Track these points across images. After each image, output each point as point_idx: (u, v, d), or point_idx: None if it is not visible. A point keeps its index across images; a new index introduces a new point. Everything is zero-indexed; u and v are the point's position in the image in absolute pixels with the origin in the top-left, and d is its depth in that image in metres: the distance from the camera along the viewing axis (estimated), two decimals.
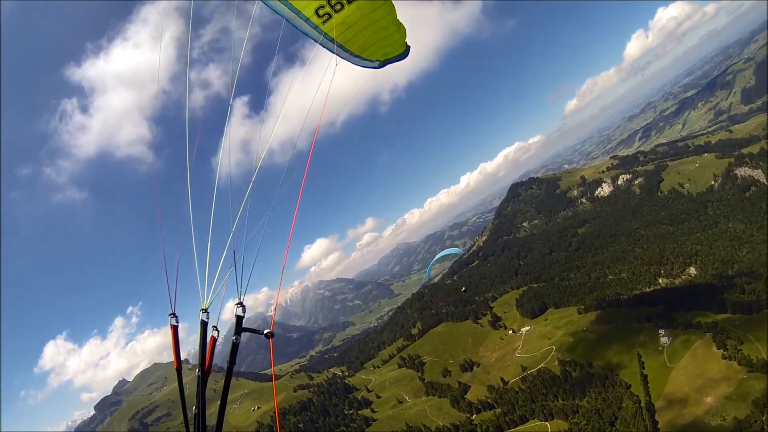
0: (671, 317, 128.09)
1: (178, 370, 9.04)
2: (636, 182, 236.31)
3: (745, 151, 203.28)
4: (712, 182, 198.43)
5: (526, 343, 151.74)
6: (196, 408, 8.22)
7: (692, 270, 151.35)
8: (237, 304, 8.82)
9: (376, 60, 16.20)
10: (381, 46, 15.80)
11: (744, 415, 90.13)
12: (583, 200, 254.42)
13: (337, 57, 14.83)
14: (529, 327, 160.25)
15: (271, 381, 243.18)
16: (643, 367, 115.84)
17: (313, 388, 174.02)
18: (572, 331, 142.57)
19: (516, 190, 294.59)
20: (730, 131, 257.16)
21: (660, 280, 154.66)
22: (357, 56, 15.77)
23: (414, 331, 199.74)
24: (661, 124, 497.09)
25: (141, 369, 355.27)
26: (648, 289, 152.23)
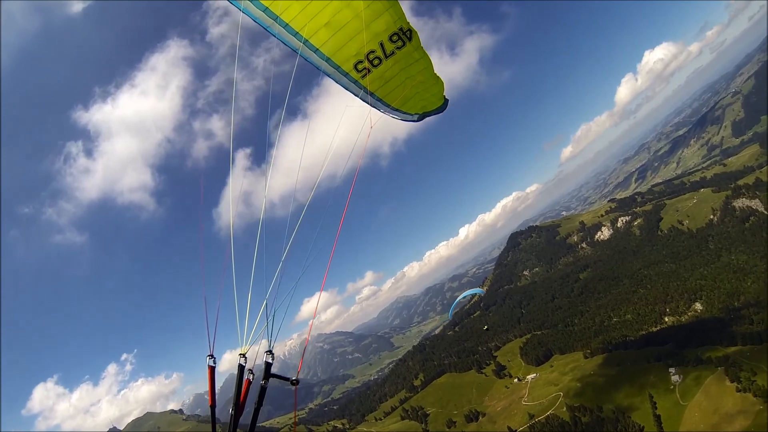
0: (681, 355, 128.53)
1: (212, 407, 10.51)
2: (635, 223, 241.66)
3: (741, 182, 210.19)
4: (711, 216, 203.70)
5: (532, 390, 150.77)
6: None
7: (698, 306, 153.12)
8: (267, 351, 10.07)
9: (415, 113, 17.06)
10: (420, 99, 16.66)
11: None
12: (584, 245, 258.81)
13: (376, 111, 16.21)
14: (534, 374, 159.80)
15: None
16: (656, 408, 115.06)
17: None
18: (579, 376, 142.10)
19: (515, 239, 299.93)
20: (725, 165, 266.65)
21: (666, 319, 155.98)
22: (396, 110, 16.69)
23: (416, 382, 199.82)
24: (656, 164, 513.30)
25: (133, 417, 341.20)
26: (654, 329, 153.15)
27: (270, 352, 10.10)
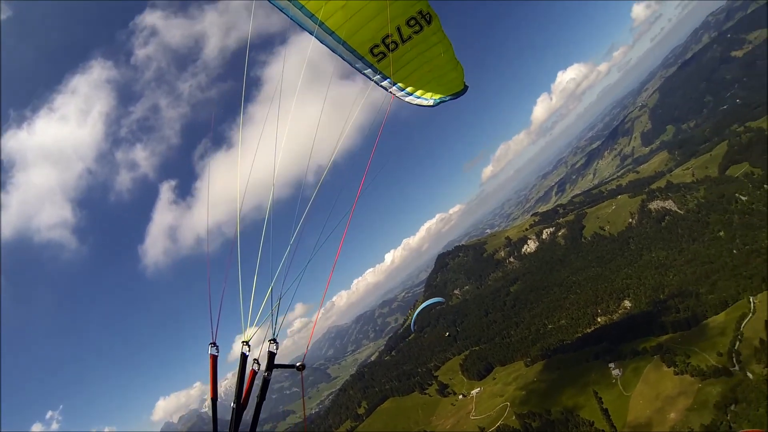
0: (617, 350, 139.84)
1: (213, 400, 10.20)
2: (559, 233, 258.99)
3: (654, 186, 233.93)
4: (630, 220, 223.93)
5: (478, 404, 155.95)
6: None
7: (627, 303, 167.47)
8: (270, 340, 9.89)
9: (431, 98, 17.29)
10: (437, 84, 16.98)
11: (709, 421, 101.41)
12: (511, 259, 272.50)
13: (392, 95, 16.81)
14: (478, 389, 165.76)
15: None
16: (602, 402, 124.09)
17: None
18: (523, 384, 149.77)
19: (443, 260, 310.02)
20: (637, 172, 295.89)
21: (599, 319, 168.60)
22: (412, 95, 17.09)
23: (360, 411, 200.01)
24: (574, 177, 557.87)
25: None
26: (589, 330, 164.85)
27: (274, 340, 10.00)
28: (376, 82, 16.45)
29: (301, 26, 14.73)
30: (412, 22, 15.02)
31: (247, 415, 9.78)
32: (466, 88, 17.35)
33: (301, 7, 14.18)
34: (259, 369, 9.65)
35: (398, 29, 15.08)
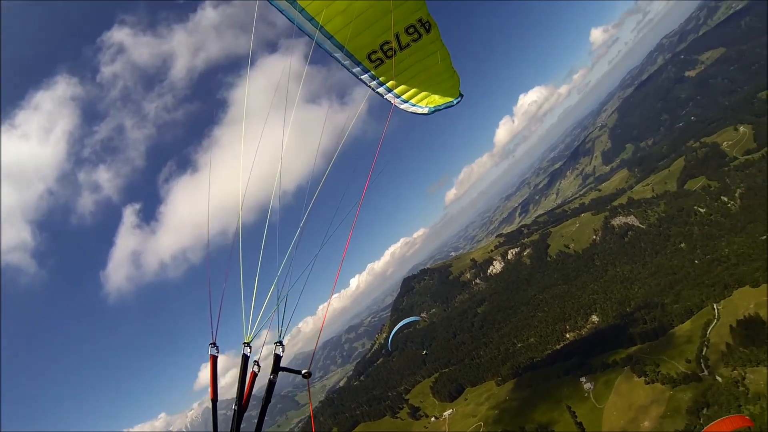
0: (588, 364, 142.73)
1: (214, 401, 10.24)
2: (525, 253, 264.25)
3: (615, 203, 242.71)
4: (594, 237, 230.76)
5: (451, 425, 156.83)
6: None
7: (594, 318, 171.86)
8: (276, 343, 9.89)
9: (426, 107, 17.66)
10: (433, 92, 17.40)
11: (683, 426, 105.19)
12: (477, 281, 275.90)
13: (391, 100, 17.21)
14: (451, 410, 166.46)
15: None
16: (576, 416, 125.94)
17: None
18: (495, 404, 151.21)
19: (409, 283, 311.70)
20: (599, 190, 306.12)
21: (567, 335, 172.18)
22: (407, 102, 17.51)
23: None
24: (537, 197, 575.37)
25: None
26: (558, 346, 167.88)
27: (280, 343, 9.99)
28: (372, 88, 16.83)
29: (300, 29, 14.95)
30: (411, 30, 15.33)
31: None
32: (461, 96, 17.68)
33: (302, 10, 14.43)
34: (259, 371, 9.77)
35: (397, 36, 15.37)
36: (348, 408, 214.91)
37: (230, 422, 9.51)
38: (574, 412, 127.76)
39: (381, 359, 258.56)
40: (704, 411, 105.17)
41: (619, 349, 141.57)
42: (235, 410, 9.33)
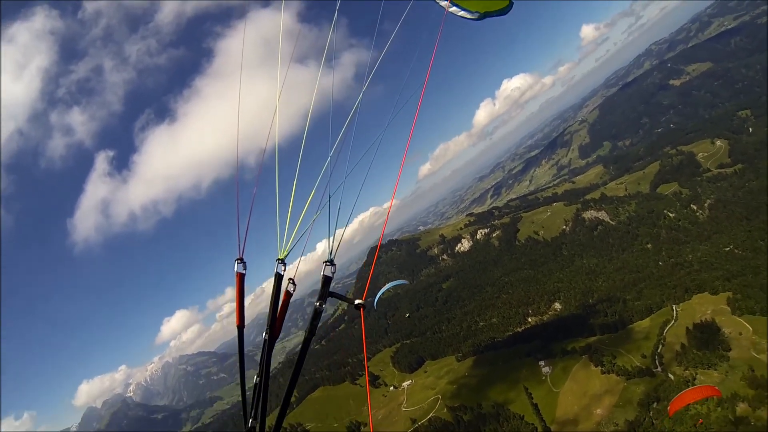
0: (548, 349, 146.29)
1: (240, 328, 8.83)
2: (494, 235, 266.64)
3: (588, 197, 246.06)
4: (564, 227, 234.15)
5: (410, 396, 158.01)
6: (258, 376, 8.12)
7: (557, 305, 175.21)
8: (326, 262, 8.02)
9: (476, 11, 16.62)
10: None
11: (633, 417, 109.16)
12: (445, 257, 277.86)
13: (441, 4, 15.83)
14: (410, 381, 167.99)
15: None
16: (532, 398, 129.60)
17: None
18: (454, 379, 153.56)
19: (375, 252, 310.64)
20: (573, 182, 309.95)
21: (530, 319, 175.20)
22: (456, 5, 16.36)
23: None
24: (511, 182, 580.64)
25: None
26: (520, 329, 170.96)
27: (330, 262, 8.12)
28: None
29: None
30: None
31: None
32: (511, 5, 16.76)
33: None
34: (294, 291, 8.41)
35: None
36: (308, 371, 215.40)
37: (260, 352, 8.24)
38: (530, 394, 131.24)
39: (343, 325, 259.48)
40: (654, 405, 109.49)
41: (579, 338, 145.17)
42: (265, 339, 8.12)
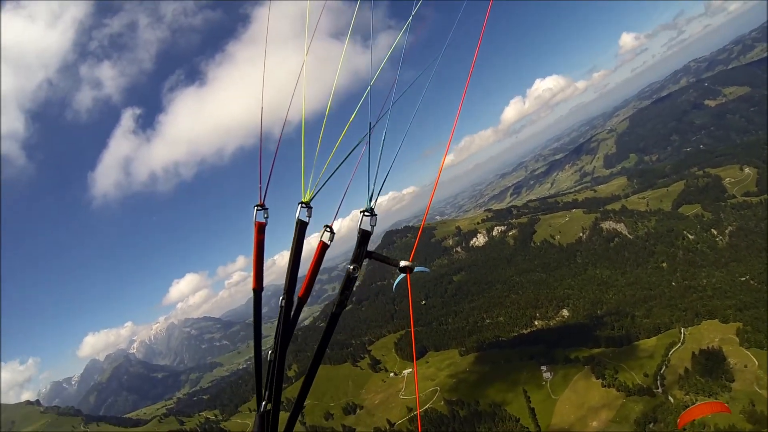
0: (551, 354, 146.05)
1: (257, 291, 6.61)
2: (510, 233, 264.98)
3: (608, 207, 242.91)
4: (581, 234, 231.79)
5: (409, 384, 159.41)
6: (272, 351, 6.22)
7: (565, 312, 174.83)
8: (364, 211, 5.66)
9: None
10: None
11: None
12: (458, 249, 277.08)
13: None
14: (410, 369, 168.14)
15: (137, 427, 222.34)
16: (530, 401, 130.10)
17: None
18: (454, 372, 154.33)
19: (390, 237, 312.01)
20: (595, 191, 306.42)
21: (536, 323, 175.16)
22: None
23: (290, 373, 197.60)
24: (532, 182, 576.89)
25: None
26: (525, 331, 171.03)
27: (370, 212, 5.62)
28: None
29: None
30: None
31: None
32: None
33: None
34: (332, 241, 5.88)
35: None
36: (310, 347, 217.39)
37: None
38: (528, 397, 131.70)
39: (350, 305, 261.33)
40: (651, 425, 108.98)
41: (583, 348, 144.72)
42: (282, 304, 5.94)
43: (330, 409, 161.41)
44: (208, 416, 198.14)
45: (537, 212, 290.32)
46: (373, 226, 5.66)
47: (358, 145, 6.32)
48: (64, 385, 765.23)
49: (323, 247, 5.88)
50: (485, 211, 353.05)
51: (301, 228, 6.12)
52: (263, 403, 6.22)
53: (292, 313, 6.16)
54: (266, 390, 6.29)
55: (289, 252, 6.06)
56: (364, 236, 5.66)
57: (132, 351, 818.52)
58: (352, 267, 5.60)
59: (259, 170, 6.83)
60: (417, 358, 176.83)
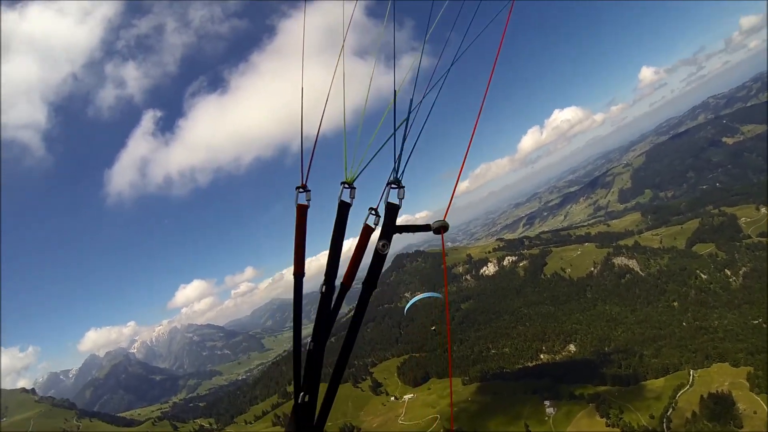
0: (555, 390, 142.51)
1: (298, 276, 5.93)
2: (521, 264, 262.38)
3: (621, 242, 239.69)
4: (592, 269, 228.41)
5: (409, 410, 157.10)
6: (311, 341, 5.70)
7: (572, 347, 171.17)
8: (391, 184, 5.23)
9: None
10: None
11: None
12: (468, 277, 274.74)
13: None
14: (411, 395, 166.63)
15: (131, 427, 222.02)
16: None
17: None
18: (456, 401, 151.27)
19: (401, 260, 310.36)
20: (608, 225, 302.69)
21: (542, 356, 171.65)
22: None
23: (290, 389, 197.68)
24: (545, 214, 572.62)
25: None
26: (530, 364, 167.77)
27: (396, 183, 5.14)
28: None
29: None
30: None
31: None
32: None
33: None
34: (376, 225, 5.30)
35: None
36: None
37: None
38: None
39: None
40: None
41: (589, 385, 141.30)
42: (322, 291, 5.36)
43: (328, 428, 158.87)
44: (202, 424, 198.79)
45: (549, 244, 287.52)
46: (401, 199, 5.21)
47: (402, 123, 5.62)
48: (61, 377, 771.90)
49: (367, 230, 5.41)
50: (497, 240, 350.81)
51: (344, 210, 5.60)
52: (300, 394, 5.44)
53: (333, 301, 5.54)
54: (304, 382, 5.48)
55: (331, 236, 5.52)
56: (390, 210, 5.23)
57: (132, 350, 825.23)
58: (381, 243, 5.19)
59: (301, 151, 5.81)
60: (417, 384, 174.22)
